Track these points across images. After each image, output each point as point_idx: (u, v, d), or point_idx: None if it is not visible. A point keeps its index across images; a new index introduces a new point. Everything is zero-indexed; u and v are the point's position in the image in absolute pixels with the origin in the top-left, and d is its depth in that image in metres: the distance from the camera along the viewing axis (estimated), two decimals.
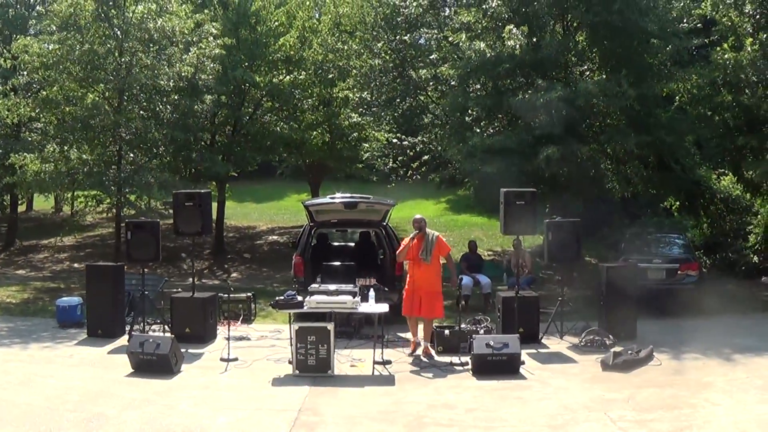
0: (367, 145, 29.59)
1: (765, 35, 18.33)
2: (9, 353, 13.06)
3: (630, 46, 19.09)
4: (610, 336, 13.33)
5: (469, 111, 21.11)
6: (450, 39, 20.90)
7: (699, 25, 20.28)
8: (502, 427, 9.09)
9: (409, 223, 14.13)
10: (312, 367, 11.35)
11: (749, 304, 17.64)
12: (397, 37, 23.45)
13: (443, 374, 11.71)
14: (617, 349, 12.19)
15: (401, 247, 13.39)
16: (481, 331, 13.51)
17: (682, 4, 19.97)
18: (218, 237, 27.65)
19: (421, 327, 13.17)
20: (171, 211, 15.18)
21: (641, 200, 23.90)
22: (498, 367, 11.47)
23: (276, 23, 26.43)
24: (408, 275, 13.31)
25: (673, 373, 11.57)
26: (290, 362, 11.60)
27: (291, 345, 11.58)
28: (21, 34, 24.86)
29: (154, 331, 14.17)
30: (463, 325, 13.42)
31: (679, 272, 16.73)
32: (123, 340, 13.48)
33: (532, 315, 13.83)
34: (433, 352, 12.93)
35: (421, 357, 12.77)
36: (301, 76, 26.11)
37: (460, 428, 9.07)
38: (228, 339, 12.70)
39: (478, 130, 20.90)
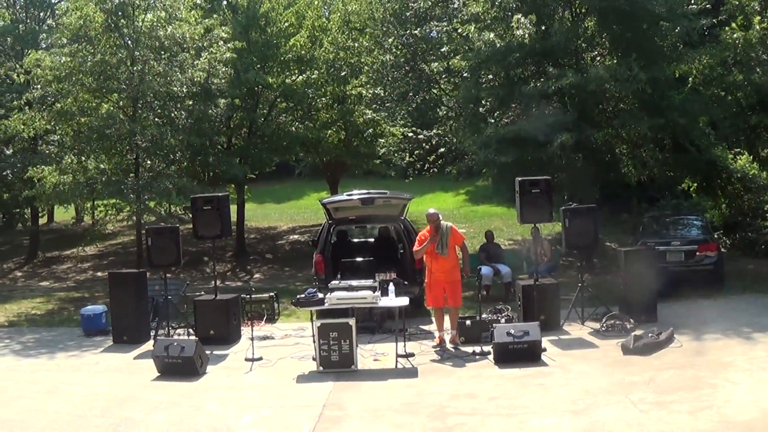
0: (383, 141, 29.53)
1: None
2: (36, 363, 13.23)
3: (639, 30, 19.05)
4: (631, 320, 13.36)
5: (482, 102, 21.19)
6: (459, 31, 20.93)
7: (708, 5, 20.18)
8: (524, 414, 9.15)
9: None
10: (335, 363, 11.45)
11: None
12: (408, 32, 23.52)
13: (465, 364, 11.79)
14: (638, 332, 12.20)
15: (417, 245, 13.32)
16: (502, 320, 13.55)
17: None
18: (239, 239, 27.79)
19: (447, 317, 13.32)
20: (191, 215, 15.29)
21: (659, 183, 23.81)
22: (519, 355, 11.53)
23: (286, 24, 26.50)
24: (426, 268, 13.38)
25: (693, 354, 11.57)
26: (314, 359, 11.70)
27: (314, 342, 11.70)
28: (32, 48, 25.03)
29: (179, 335, 14.31)
30: (484, 315, 13.49)
31: (698, 253, 16.62)
32: (148, 345, 13.59)
33: (552, 302, 13.90)
34: (458, 340, 13.03)
35: (449, 346, 12.88)
36: (313, 76, 26.19)
37: (483, 416, 9.15)
38: (252, 339, 12.79)
39: (492, 121, 20.93)
